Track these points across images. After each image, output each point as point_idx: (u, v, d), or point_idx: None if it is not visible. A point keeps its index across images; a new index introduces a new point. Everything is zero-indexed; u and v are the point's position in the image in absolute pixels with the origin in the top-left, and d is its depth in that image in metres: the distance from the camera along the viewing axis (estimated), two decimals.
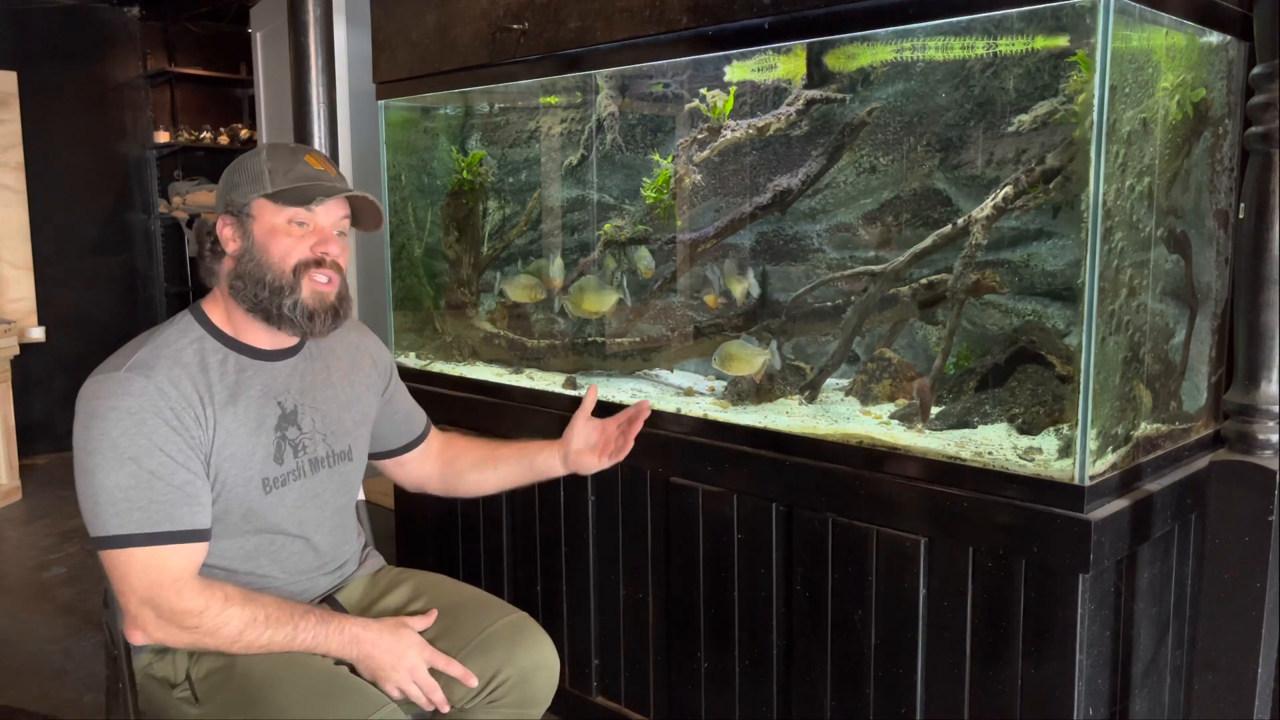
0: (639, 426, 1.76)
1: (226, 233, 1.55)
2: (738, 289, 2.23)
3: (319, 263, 1.53)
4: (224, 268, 1.55)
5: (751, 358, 2.12)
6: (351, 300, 1.62)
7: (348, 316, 1.61)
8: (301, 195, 1.51)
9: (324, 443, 1.63)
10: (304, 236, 1.53)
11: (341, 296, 1.57)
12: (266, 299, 1.51)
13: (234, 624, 1.44)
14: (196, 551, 1.46)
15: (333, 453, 1.64)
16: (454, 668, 1.53)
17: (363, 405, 1.72)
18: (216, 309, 1.58)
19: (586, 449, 1.79)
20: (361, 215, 1.61)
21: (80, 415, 1.45)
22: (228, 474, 1.50)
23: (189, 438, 1.46)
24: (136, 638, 1.45)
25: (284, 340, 1.60)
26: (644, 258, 2.34)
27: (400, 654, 1.50)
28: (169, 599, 1.42)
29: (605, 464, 1.78)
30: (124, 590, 1.43)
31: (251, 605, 1.46)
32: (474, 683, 1.53)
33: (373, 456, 1.82)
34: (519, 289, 2.59)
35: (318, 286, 1.53)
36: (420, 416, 1.90)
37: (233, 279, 1.54)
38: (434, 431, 1.92)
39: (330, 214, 1.55)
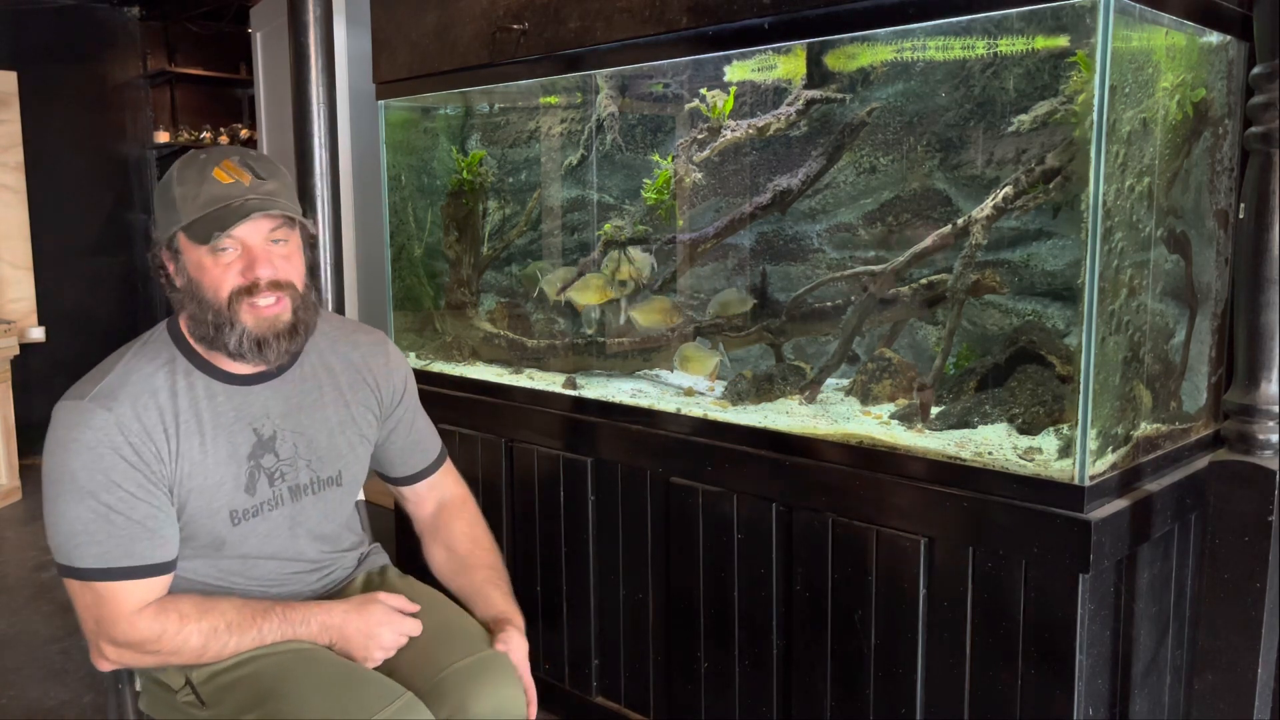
0: None
1: (170, 268, 1.46)
2: (634, 266, 2.27)
3: (253, 288, 1.41)
4: (179, 300, 1.47)
5: (705, 359, 2.23)
6: (317, 308, 1.51)
7: (311, 330, 1.50)
8: (205, 229, 1.38)
9: (308, 469, 1.55)
10: (232, 263, 1.41)
11: (298, 311, 1.45)
12: (214, 336, 1.42)
13: (194, 640, 1.41)
14: (156, 585, 1.42)
15: (318, 479, 1.56)
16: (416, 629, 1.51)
17: (359, 427, 1.62)
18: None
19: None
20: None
21: (48, 442, 1.41)
22: (194, 505, 1.45)
23: (149, 472, 1.40)
24: (102, 665, 1.44)
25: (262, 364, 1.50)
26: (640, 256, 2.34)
27: (370, 633, 1.48)
28: (123, 632, 1.39)
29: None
30: (83, 619, 1.42)
31: (209, 616, 1.42)
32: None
33: (380, 476, 1.77)
34: (590, 291, 2.40)
35: (261, 312, 1.42)
36: (424, 458, 1.76)
37: (185, 315, 1.46)
38: (450, 483, 1.79)
39: (257, 231, 1.41)
